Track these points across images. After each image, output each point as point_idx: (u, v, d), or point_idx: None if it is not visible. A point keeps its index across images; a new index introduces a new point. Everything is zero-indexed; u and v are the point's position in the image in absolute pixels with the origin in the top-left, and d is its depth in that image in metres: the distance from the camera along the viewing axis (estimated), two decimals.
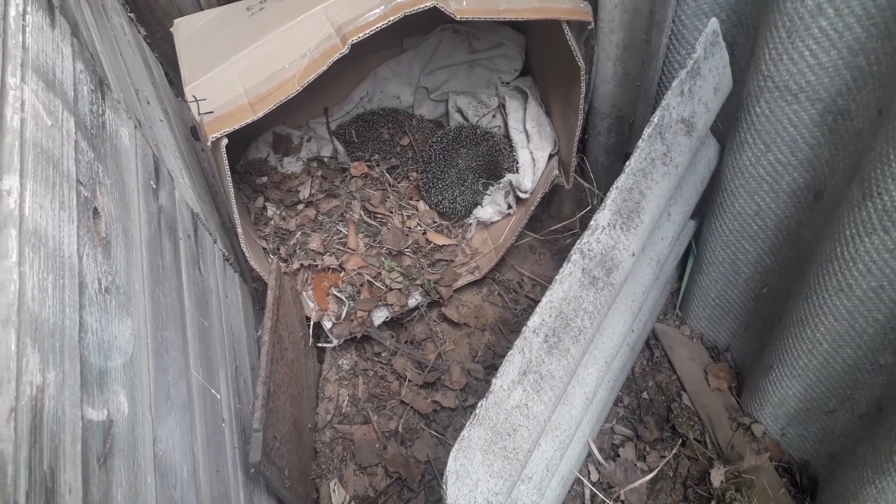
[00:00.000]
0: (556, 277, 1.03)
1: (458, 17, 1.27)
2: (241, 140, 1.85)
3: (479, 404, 0.94)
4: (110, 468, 0.68)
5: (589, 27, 1.46)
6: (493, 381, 0.96)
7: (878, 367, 1.15)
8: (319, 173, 1.83)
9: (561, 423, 1.17)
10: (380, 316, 1.64)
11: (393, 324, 1.71)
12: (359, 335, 1.63)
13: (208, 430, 1.02)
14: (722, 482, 1.38)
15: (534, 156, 1.76)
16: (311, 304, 1.63)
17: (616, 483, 1.43)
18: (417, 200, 1.83)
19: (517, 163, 1.77)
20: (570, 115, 1.62)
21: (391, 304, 1.64)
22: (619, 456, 1.47)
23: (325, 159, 1.88)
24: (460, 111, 1.92)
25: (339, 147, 1.91)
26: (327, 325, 1.61)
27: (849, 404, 1.24)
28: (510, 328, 1.72)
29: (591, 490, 1.41)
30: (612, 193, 1.08)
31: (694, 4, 1.26)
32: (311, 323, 1.60)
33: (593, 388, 1.22)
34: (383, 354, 1.68)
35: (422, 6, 1.24)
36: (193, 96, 1.27)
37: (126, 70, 1.26)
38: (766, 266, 1.38)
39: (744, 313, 1.51)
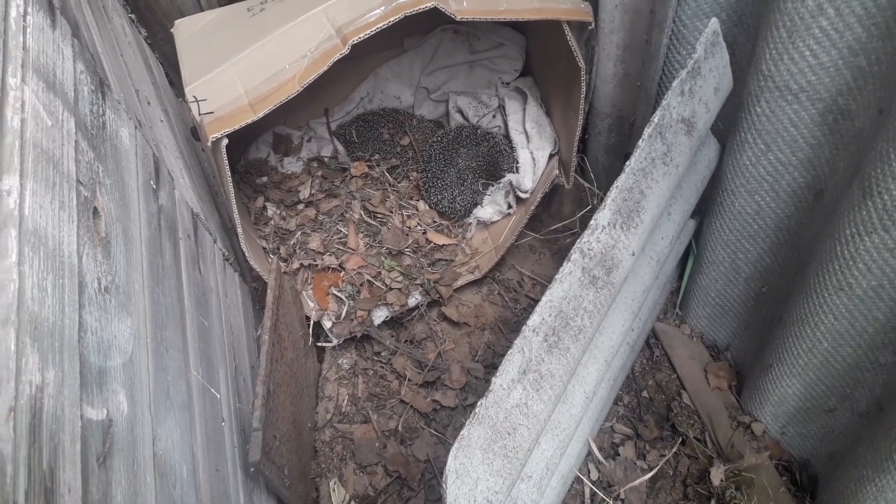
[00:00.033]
0: (556, 277, 1.03)
1: (458, 18, 1.27)
2: (241, 140, 1.85)
3: (479, 403, 0.94)
4: (110, 467, 0.68)
5: (589, 27, 1.46)
6: (493, 380, 0.96)
7: (878, 365, 1.15)
8: (319, 173, 1.84)
9: (561, 422, 1.17)
10: (380, 315, 1.64)
11: (393, 323, 1.72)
12: (359, 334, 1.63)
13: (208, 430, 1.03)
14: (722, 481, 1.38)
15: (534, 156, 1.76)
16: (311, 304, 1.63)
17: (616, 482, 1.43)
18: (417, 200, 1.83)
19: (517, 163, 1.77)
20: (571, 115, 1.62)
21: (391, 304, 1.64)
22: (618, 454, 1.48)
23: (326, 159, 1.88)
24: (460, 111, 1.92)
25: (340, 147, 1.91)
26: (327, 324, 1.61)
27: (849, 403, 1.24)
28: (510, 327, 1.72)
29: (591, 489, 1.41)
30: (613, 193, 1.08)
31: (694, 5, 1.26)
32: (311, 322, 1.60)
33: (593, 387, 1.22)
34: (383, 354, 1.68)
35: (422, 7, 1.24)
36: (194, 97, 1.28)
37: (127, 71, 1.26)
38: (767, 265, 1.38)
39: (744, 312, 1.51)
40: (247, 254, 1.43)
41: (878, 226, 0.97)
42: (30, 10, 0.79)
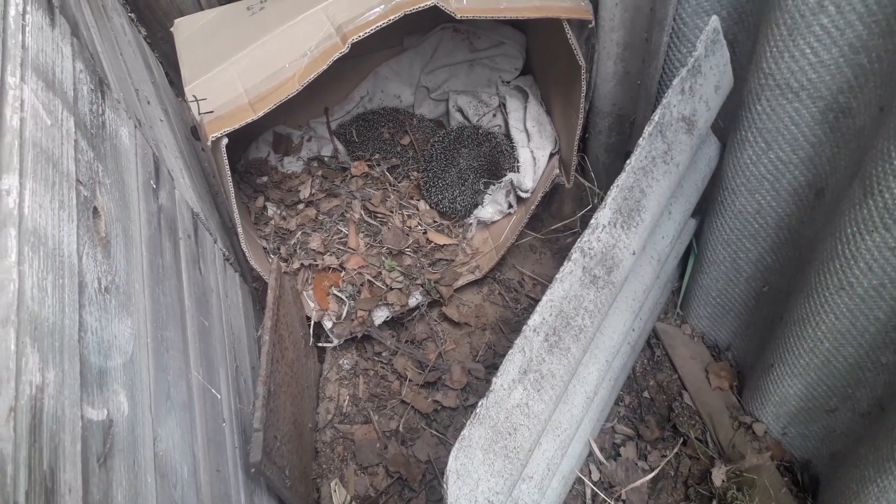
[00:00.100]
0: (557, 276, 1.02)
1: (458, 16, 1.27)
2: (241, 140, 1.85)
3: (480, 403, 0.94)
4: (110, 468, 0.68)
5: (589, 26, 1.45)
6: (494, 380, 0.96)
7: (879, 365, 1.14)
8: (320, 173, 1.83)
9: (562, 423, 1.17)
10: (380, 315, 1.64)
11: (393, 323, 1.71)
12: (359, 335, 1.63)
13: (209, 430, 1.02)
14: (723, 481, 1.38)
15: (534, 155, 1.76)
16: (312, 304, 1.63)
17: (617, 482, 1.42)
18: (418, 200, 1.83)
19: (518, 162, 1.76)
20: (571, 114, 1.61)
21: (392, 304, 1.64)
22: (620, 455, 1.47)
23: (326, 159, 1.88)
24: (461, 110, 1.92)
25: (340, 146, 1.91)
26: (328, 324, 1.61)
27: (850, 403, 1.24)
28: (511, 327, 1.72)
29: (593, 489, 1.41)
30: (613, 192, 1.08)
31: (695, 2, 1.26)
32: (312, 322, 1.60)
33: (594, 387, 1.22)
34: (384, 354, 1.68)
35: (422, 5, 1.24)
36: (194, 96, 1.27)
37: (126, 70, 1.26)
38: (767, 264, 1.38)
39: (745, 312, 1.50)
40: (247, 254, 1.43)
41: (878, 224, 0.97)
42: (29, 8, 0.79)
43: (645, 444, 1.49)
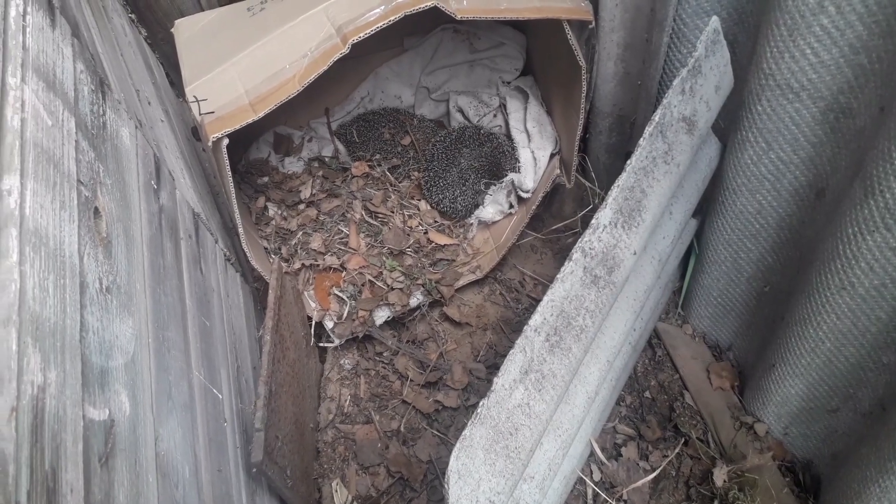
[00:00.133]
0: (558, 276, 1.02)
1: (458, 17, 1.27)
2: (242, 140, 1.85)
3: (481, 403, 0.94)
4: (112, 468, 0.68)
5: (590, 26, 1.45)
6: (495, 380, 0.96)
7: (881, 365, 1.14)
8: (320, 173, 1.84)
9: (563, 423, 1.17)
10: (381, 315, 1.64)
11: (394, 323, 1.71)
12: (360, 335, 1.63)
13: (210, 430, 1.02)
14: (725, 481, 1.37)
15: (535, 155, 1.76)
16: (313, 304, 1.63)
17: (618, 482, 1.42)
18: (419, 200, 1.83)
19: (518, 162, 1.76)
20: (572, 115, 1.61)
21: (393, 304, 1.64)
22: (621, 455, 1.47)
23: (327, 159, 1.88)
24: (461, 111, 1.92)
25: (341, 147, 1.91)
26: (329, 324, 1.61)
27: (852, 403, 1.24)
28: (512, 327, 1.72)
29: (594, 489, 1.41)
30: (614, 192, 1.08)
31: (695, 3, 1.26)
32: (313, 323, 1.60)
33: (595, 387, 1.22)
34: (385, 354, 1.68)
35: (422, 6, 1.24)
36: (194, 97, 1.27)
37: (127, 70, 1.26)
38: (768, 265, 1.37)
39: (746, 312, 1.50)
40: (248, 254, 1.43)
41: (879, 224, 0.97)
42: (29, 9, 0.79)
43: (646, 445, 1.49)
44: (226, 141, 1.23)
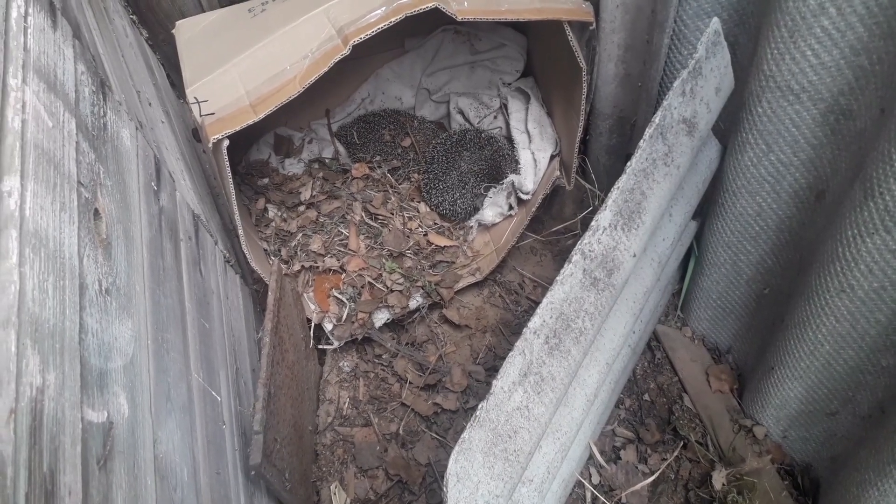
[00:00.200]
0: (557, 278, 1.02)
1: (459, 18, 1.27)
2: (242, 141, 1.85)
3: (480, 406, 0.94)
4: (110, 470, 0.68)
5: (590, 28, 1.45)
6: (494, 382, 0.96)
7: (880, 368, 1.14)
8: (321, 175, 1.84)
9: (562, 425, 1.17)
10: (381, 318, 1.64)
11: (394, 325, 1.71)
12: (360, 337, 1.63)
13: (209, 432, 1.02)
14: (723, 485, 1.37)
15: (535, 156, 1.76)
16: (312, 306, 1.63)
17: (617, 485, 1.42)
18: (419, 202, 1.83)
19: (518, 164, 1.76)
20: (572, 116, 1.62)
21: (392, 306, 1.64)
22: (620, 458, 1.47)
23: (327, 161, 1.88)
24: (462, 112, 1.92)
25: (341, 148, 1.91)
26: (328, 326, 1.61)
27: (851, 406, 1.23)
28: (511, 330, 1.72)
29: (593, 492, 1.41)
30: (614, 194, 1.08)
31: (696, 4, 1.26)
32: (312, 325, 1.60)
33: (594, 390, 1.22)
34: (384, 356, 1.68)
35: (423, 7, 1.24)
36: (195, 98, 1.27)
37: (128, 72, 1.26)
38: (768, 267, 1.37)
39: (745, 315, 1.50)
40: (248, 255, 1.43)
41: (879, 227, 0.97)
42: (31, 10, 0.79)
43: (645, 448, 1.49)
44: (226, 142, 1.23)
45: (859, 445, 1.20)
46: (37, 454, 0.55)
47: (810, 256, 1.19)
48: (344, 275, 1.67)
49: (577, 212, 1.78)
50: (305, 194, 1.77)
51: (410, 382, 1.62)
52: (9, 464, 0.51)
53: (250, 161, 1.86)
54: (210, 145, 1.22)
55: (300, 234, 1.71)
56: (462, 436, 0.92)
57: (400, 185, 1.85)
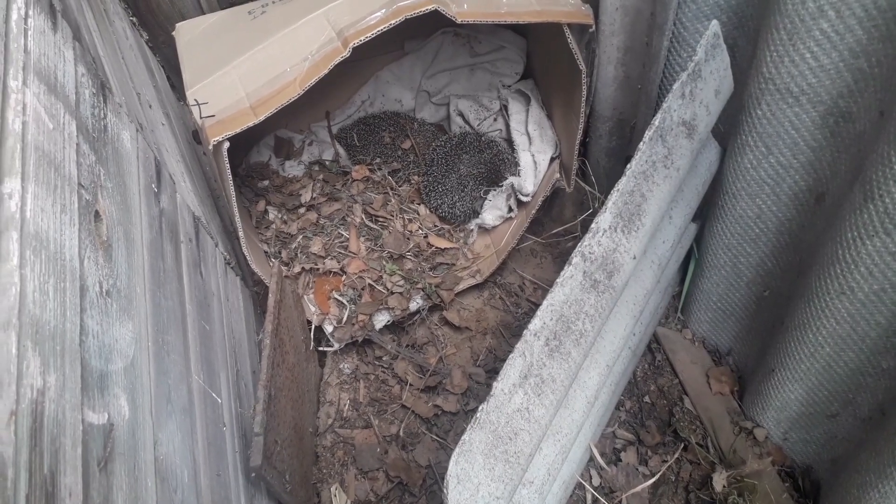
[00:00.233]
0: (558, 281, 1.02)
1: (459, 21, 1.27)
2: (242, 143, 1.85)
3: (481, 408, 0.94)
4: (111, 472, 0.68)
5: (590, 30, 1.46)
6: (494, 384, 0.96)
7: (880, 370, 1.14)
8: (321, 177, 1.84)
9: (562, 427, 1.17)
10: (381, 320, 1.64)
11: (394, 327, 1.71)
12: (360, 339, 1.63)
13: (209, 434, 1.02)
14: (724, 487, 1.37)
15: (535, 159, 1.76)
16: (313, 308, 1.63)
17: (618, 487, 1.42)
18: (419, 204, 1.83)
19: (518, 166, 1.77)
20: (572, 119, 1.62)
21: (392, 308, 1.64)
22: (620, 460, 1.47)
23: (327, 163, 1.88)
24: (462, 115, 1.92)
25: (341, 151, 1.91)
26: (328, 328, 1.61)
27: (851, 408, 1.23)
28: (511, 332, 1.72)
29: (593, 494, 1.40)
30: (614, 196, 1.08)
31: (695, 7, 1.27)
32: (313, 326, 1.60)
33: (595, 392, 1.22)
34: (384, 358, 1.68)
35: (423, 9, 1.24)
36: (195, 100, 1.28)
37: (128, 74, 1.26)
38: (768, 269, 1.37)
39: (745, 317, 1.50)
40: (248, 257, 1.43)
41: (879, 229, 0.97)
42: (31, 12, 0.79)
43: (646, 449, 1.49)
44: (226, 144, 1.23)
45: (860, 447, 1.20)
46: (37, 456, 0.55)
47: (810, 259, 1.19)
48: (344, 277, 1.67)
49: (577, 214, 1.78)
50: (306, 196, 1.78)
51: (411, 384, 1.62)
52: (9, 465, 0.51)
53: (250, 163, 1.86)
54: (210, 147, 1.22)
55: (300, 236, 1.71)
56: (462, 437, 0.92)
57: (400, 187, 1.86)
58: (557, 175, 1.72)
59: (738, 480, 1.38)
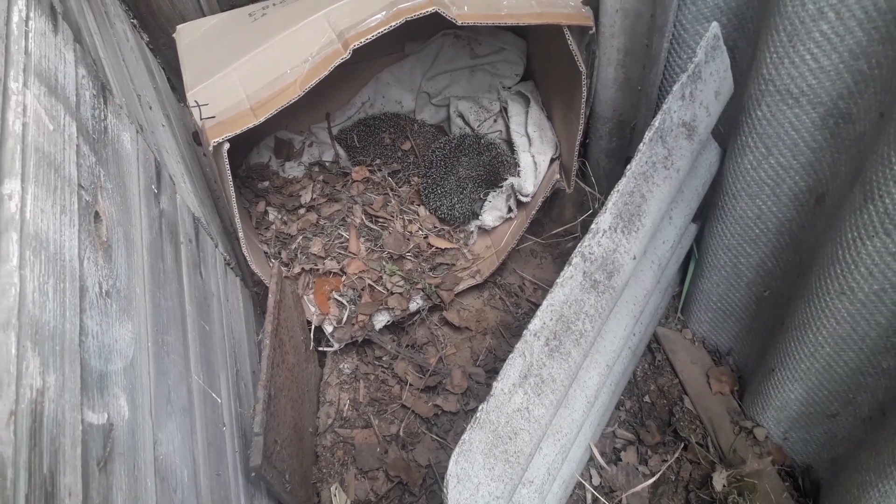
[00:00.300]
0: (558, 281, 1.02)
1: (459, 23, 1.27)
2: (242, 145, 1.85)
3: (480, 408, 0.94)
4: (110, 472, 0.68)
5: (590, 32, 1.46)
6: (494, 384, 0.96)
7: (880, 370, 1.14)
8: (321, 178, 1.84)
9: (562, 427, 1.17)
10: (381, 320, 1.64)
11: (394, 328, 1.71)
12: (360, 339, 1.63)
13: (209, 434, 1.02)
14: (724, 486, 1.37)
15: (535, 159, 1.76)
16: (313, 308, 1.63)
17: (618, 487, 1.42)
18: (419, 205, 1.83)
19: (518, 166, 1.77)
20: (572, 120, 1.62)
21: (392, 308, 1.64)
22: (620, 460, 1.47)
23: (327, 164, 1.89)
24: (462, 116, 1.92)
25: (341, 152, 1.91)
26: (328, 329, 1.61)
27: (851, 408, 1.23)
28: (511, 332, 1.72)
29: (593, 494, 1.40)
30: (614, 197, 1.08)
31: (695, 9, 1.27)
32: (313, 327, 1.60)
33: (595, 392, 1.22)
34: (384, 358, 1.68)
35: (423, 11, 1.25)
36: (195, 101, 1.28)
37: (128, 75, 1.26)
38: (768, 269, 1.38)
39: (745, 317, 1.50)
40: (248, 258, 1.43)
41: (879, 229, 0.97)
42: (32, 14, 0.79)
43: (646, 449, 1.49)
44: (226, 145, 1.23)
45: (860, 447, 1.20)
46: (37, 456, 0.55)
47: (810, 259, 1.19)
48: (344, 277, 1.67)
49: (577, 215, 1.78)
50: (306, 197, 1.78)
51: (411, 384, 1.63)
52: (9, 465, 0.51)
53: (251, 164, 1.87)
54: (210, 148, 1.22)
55: (300, 237, 1.71)
56: (462, 437, 0.92)
57: (400, 188, 1.86)
58: (557, 176, 1.72)
59: (738, 480, 1.38)
